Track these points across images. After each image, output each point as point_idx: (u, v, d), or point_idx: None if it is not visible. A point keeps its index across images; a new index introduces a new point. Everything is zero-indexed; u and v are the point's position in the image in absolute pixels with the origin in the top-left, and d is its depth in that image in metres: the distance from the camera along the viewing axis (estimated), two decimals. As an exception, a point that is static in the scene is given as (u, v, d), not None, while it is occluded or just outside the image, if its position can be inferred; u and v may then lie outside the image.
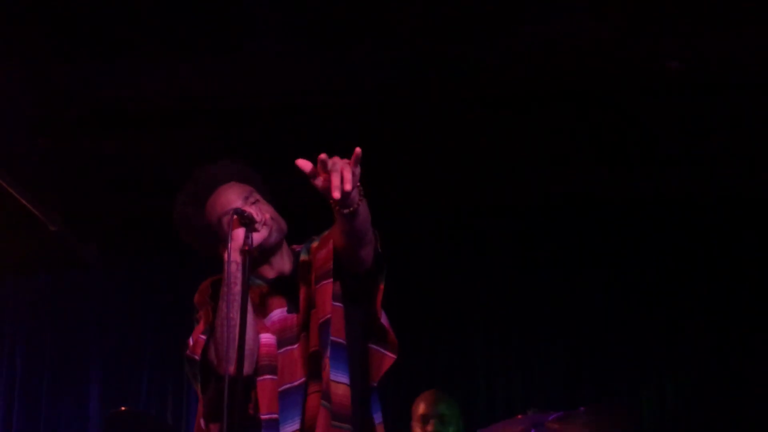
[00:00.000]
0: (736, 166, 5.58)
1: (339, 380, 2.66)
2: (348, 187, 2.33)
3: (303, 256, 2.83)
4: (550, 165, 5.63)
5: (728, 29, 4.31)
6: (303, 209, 3.74)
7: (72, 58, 4.54)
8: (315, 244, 2.83)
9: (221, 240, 2.74)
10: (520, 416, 4.43)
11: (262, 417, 2.62)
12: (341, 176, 2.33)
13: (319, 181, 2.39)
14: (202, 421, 2.72)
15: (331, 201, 2.45)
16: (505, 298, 6.06)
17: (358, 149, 2.36)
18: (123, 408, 5.06)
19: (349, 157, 2.38)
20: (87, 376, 6.21)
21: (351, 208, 2.47)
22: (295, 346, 2.72)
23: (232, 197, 2.78)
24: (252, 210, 2.66)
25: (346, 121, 5.06)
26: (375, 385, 2.76)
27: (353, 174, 2.36)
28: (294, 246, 2.90)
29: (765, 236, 5.92)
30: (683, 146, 5.39)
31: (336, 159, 2.36)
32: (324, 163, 2.36)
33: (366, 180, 2.46)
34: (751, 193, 5.85)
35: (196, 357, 2.68)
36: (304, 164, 2.41)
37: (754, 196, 5.87)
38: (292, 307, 2.77)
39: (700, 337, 5.88)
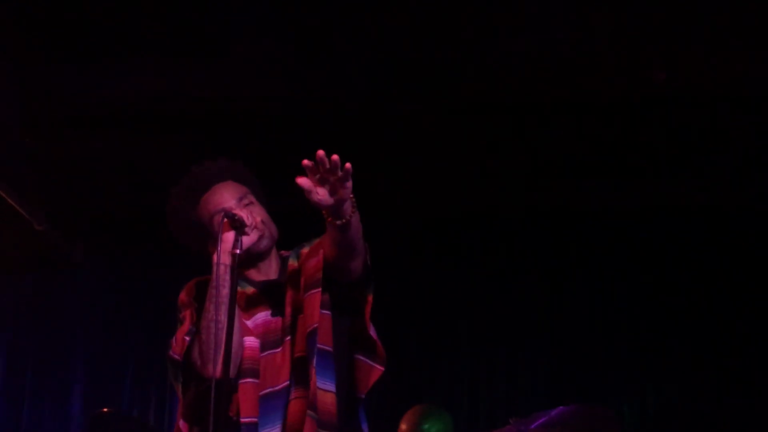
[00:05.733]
0: (721, 176, 5.61)
1: (326, 388, 2.67)
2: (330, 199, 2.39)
3: (292, 262, 2.83)
4: (532, 175, 5.64)
5: (714, 41, 4.34)
6: (292, 214, 3.75)
7: (59, 59, 4.54)
8: (305, 250, 2.83)
9: (211, 238, 2.75)
10: (507, 428, 4.37)
11: (242, 420, 2.61)
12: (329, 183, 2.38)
13: (314, 196, 2.42)
14: (182, 423, 2.71)
15: (324, 212, 2.49)
16: (489, 307, 6.05)
17: (348, 165, 2.39)
18: (105, 409, 5.04)
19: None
20: (70, 375, 6.19)
21: (343, 220, 2.50)
22: (278, 350, 2.72)
23: (226, 196, 2.79)
24: (243, 213, 2.66)
25: (330, 127, 5.07)
26: (362, 396, 2.76)
27: (344, 187, 2.40)
28: (282, 252, 2.90)
29: (750, 246, 5.96)
30: (667, 157, 5.42)
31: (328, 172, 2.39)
32: (311, 169, 2.38)
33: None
34: (734, 204, 5.88)
35: (179, 357, 2.67)
36: (304, 182, 2.42)
37: (737, 207, 5.90)
38: (277, 311, 2.77)
39: (682, 346, 5.91)
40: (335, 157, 2.37)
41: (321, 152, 2.36)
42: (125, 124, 5.12)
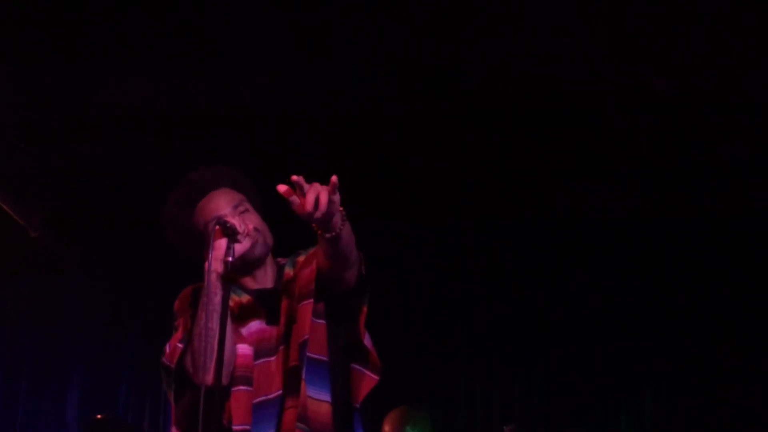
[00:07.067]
0: (719, 184, 5.59)
1: (320, 398, 2.63)
2: (319, 213, 2.33)
3: (288, 270, 2.81)
4: (531, 176, 5.62)
5: (714, 48, 4.32)
6: (288, 221, 3.73)
7: (55, 62, 4.52)
8: (301, 258, 2.81)
9: (206, 245, 2.71)
10: None
11: (234, 428, 2.59)
12: (316, 198, 2.33)
13: (298, 207, 2.37)
14: (174, 430, 2.69)
15: (314, 225, 2.45)
16: (486, 312, 6.05)
17: (334, 177, 2.35)
18: (99, 416, 5.03)
19: (328, 178, 2.36)
20: (65, 381, 6.17)
21: (333, 233, 2.47)
22: (273, 358, 2.70)
23: (222, 204, 2.76)
24: (235, 221, 2.63)
25: (330, 127, 5.06)
26: (357, 406, 2.73)
27: (332, 201, 2.36)
28: (279, 259, 2.88)
29: (750, 249, 5.94)
30: (667, 160, 5.39)
31: (314, 184, 2.35)
32: (299, 186, 2.35)
33: (348, 192, 2.44)
34: (734, 207, 5.85)
35: (172, 365, 2.65)
36: (285, 190, 2.38)
37: (738, 211, 5.88)
38: (272, 319, 2.74)
39: (681, 348, 5.89)
40: (334, 181, 2.33)
41: (296, 178, 2.33)
42: (124, 126, 5.10)
